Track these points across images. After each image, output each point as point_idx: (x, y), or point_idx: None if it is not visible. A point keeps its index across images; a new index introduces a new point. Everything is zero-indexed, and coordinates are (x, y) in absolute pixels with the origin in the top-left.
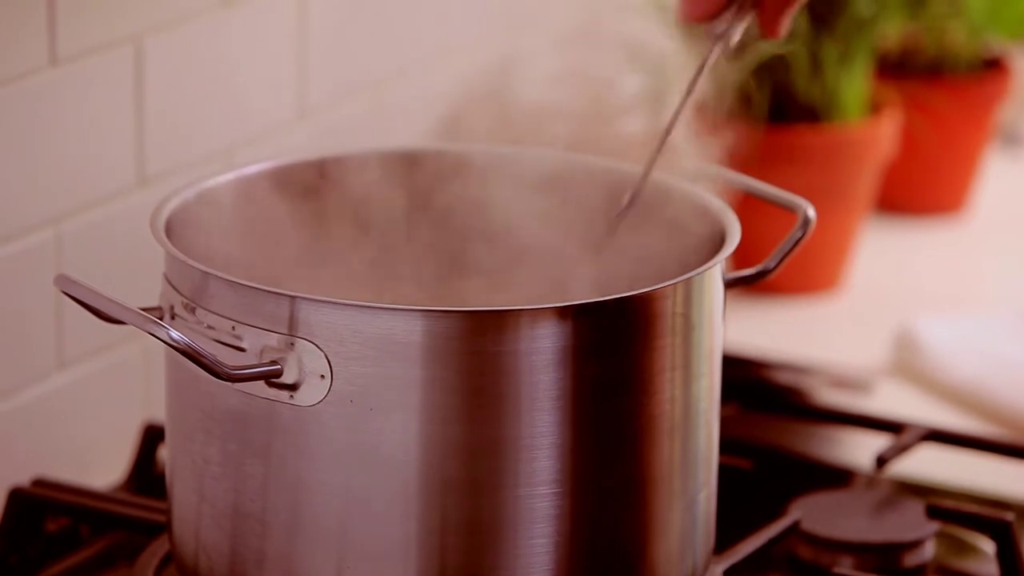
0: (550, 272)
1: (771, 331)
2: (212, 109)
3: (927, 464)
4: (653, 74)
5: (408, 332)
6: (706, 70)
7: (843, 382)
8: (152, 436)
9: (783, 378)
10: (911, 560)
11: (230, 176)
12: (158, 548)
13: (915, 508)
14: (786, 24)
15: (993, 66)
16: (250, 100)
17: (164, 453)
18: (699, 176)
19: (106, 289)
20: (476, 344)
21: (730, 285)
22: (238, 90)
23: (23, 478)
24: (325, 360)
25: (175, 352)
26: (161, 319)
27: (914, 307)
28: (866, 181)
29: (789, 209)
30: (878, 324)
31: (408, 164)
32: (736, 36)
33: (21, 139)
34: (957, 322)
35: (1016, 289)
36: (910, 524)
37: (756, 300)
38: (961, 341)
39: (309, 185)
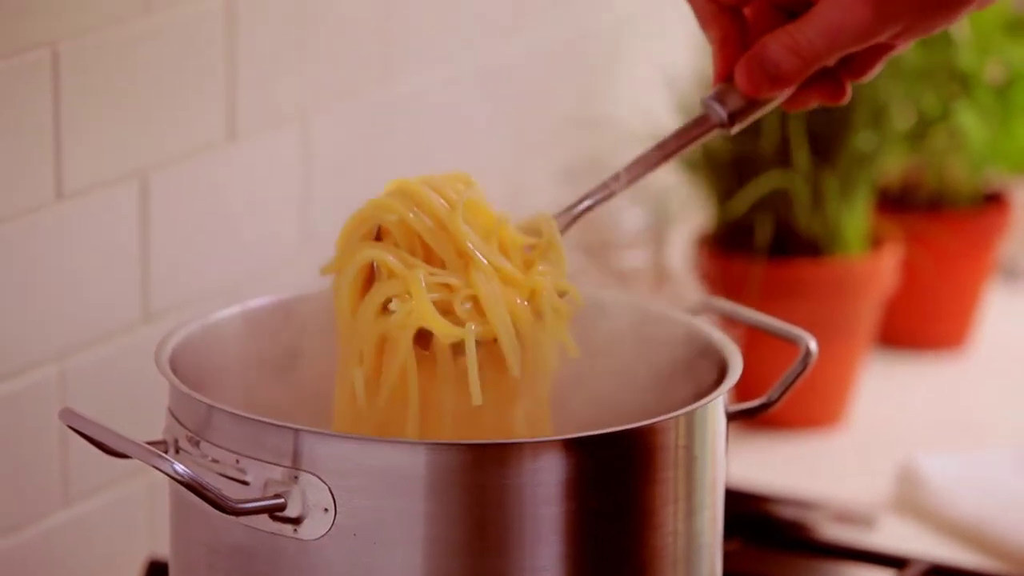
0: (551, 399)
1: (774, 465)
2: (217, 243)
3: None
4: (655, 209)
5: (411, 465)
6: (695, 145)
7: (846, 517)
8: (156, 572)
9: (786, 512)
10: None
11: (235, 310)
12: None
13: None
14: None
15: (994, 200)
16: (255, 233)
17: None
18: (701, 308)
19: (110, 423)
20: (479, 477)
21: (732, 417)
22: (243, 223)
23: None
24: (329, 493)
25: (179, 486)
26: (166, 452)
27: (916, 442)
28: (868, 315)
29: (791, 342)
30: (881, 458)
31: None
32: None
33: (26, 273)
34: (960, 457)
35: (1018, 424)
36: None
37: (759, 434)
38: (964, 476)
39: (313, 318)
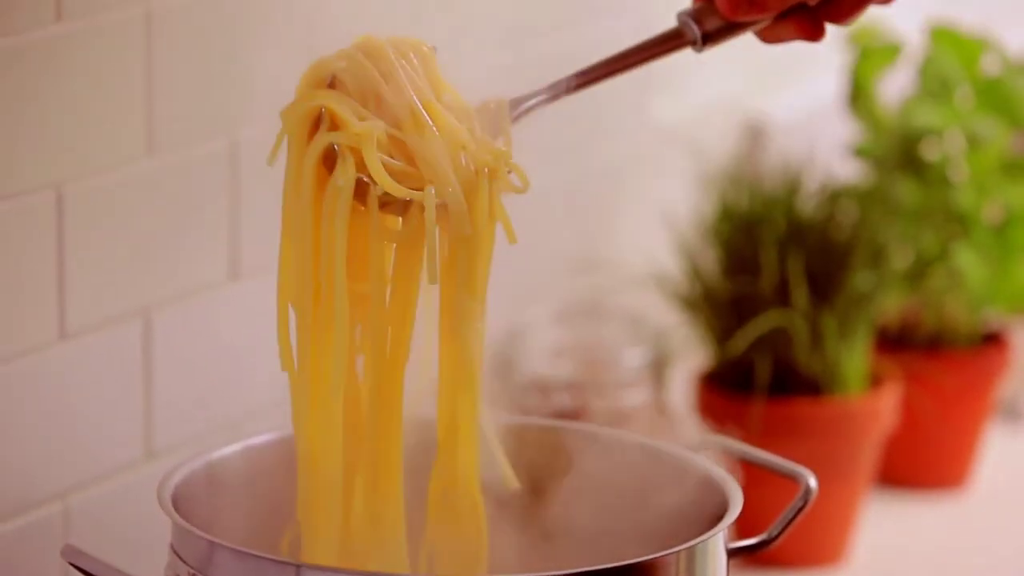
0: (553, 535)
1: None
2: (219, 381)
3: None
4: (654, 348)
5: None
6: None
7: None
8: None
9: None
10: None
11: (237, 447)
12: None
13: None
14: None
15: (992, 340)
16: (257, 372)
17: None
18: (702, 445)
19: (113, 560)
20: None
21: (733, 554)
22: (245, 362)
23: None
24: None
25: None
26: None
27: None
28: (867, 454)
29: (791, 478)
30: None
31: (416, 432)
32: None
33: (30, 411)
34: None
35: (1017, 563)
36: None
37: (759, 571)
38: None
39: None
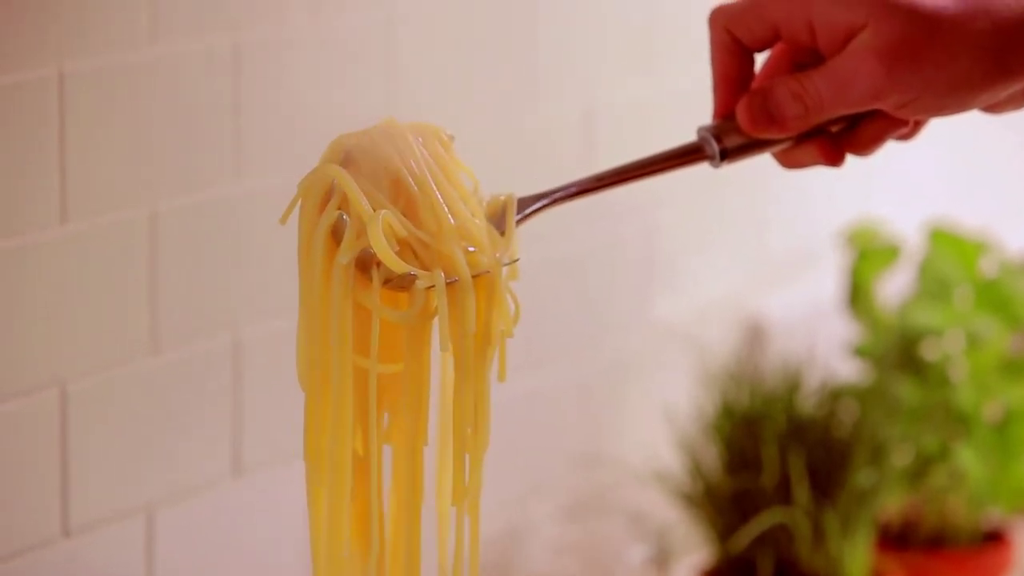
0: None
1: None
2: (224, 573)
3: None
4: (656, 544)
5: None
6: (677, 170)
7: None
8: None
9: None
10: None
11: None
12: None
13: None
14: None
15: (994, 539)
16: (260, 567)
17: None
18: None
19: None
20: None
21: None
22: (249, 557)
23: None
24: None
25: None
26: None
27: None
28: None
29: None
30: None
31: None
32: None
33: None
34: None
35: None
36: None
37: None
38: None
39: None
